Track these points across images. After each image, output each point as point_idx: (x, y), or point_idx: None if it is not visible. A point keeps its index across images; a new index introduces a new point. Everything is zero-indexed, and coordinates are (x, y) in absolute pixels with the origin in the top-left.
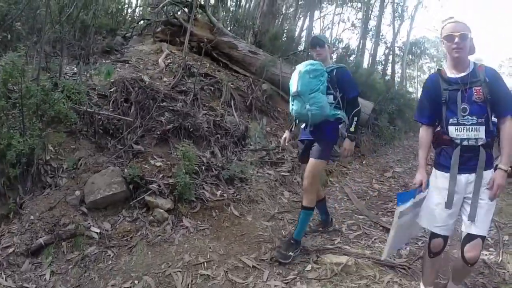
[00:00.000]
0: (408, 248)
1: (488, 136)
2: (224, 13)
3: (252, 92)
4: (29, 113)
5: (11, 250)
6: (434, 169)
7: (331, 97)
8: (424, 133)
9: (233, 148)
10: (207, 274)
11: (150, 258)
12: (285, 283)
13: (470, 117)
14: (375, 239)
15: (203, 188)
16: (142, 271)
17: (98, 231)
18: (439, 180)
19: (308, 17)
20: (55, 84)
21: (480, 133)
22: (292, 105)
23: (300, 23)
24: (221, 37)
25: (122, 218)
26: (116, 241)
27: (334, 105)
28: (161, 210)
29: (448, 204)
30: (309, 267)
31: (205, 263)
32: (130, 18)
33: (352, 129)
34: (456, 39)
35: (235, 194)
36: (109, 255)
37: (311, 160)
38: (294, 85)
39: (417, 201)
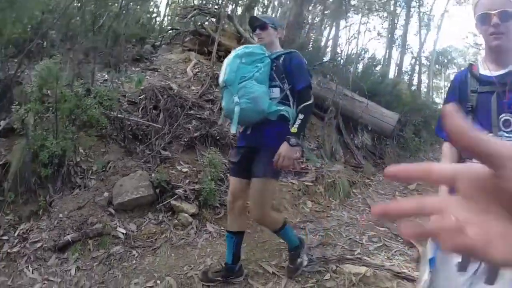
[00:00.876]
0: None
1: None
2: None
3: None
4: (62, 117)
5: (39, 245)
6: None
7: (276, 90)
8: (448, 152)
9: None
10: None
11: (173, 259)
12: None
13: None
14: (395, 251)
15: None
16: (165, 271)
17: (124, 231)
18: None
19: (334, 27)
20: (88, 90)
21: None
22: (221, 99)
23: (326, 32)
24: None
25: (148, 220)
26: (141, 242)
27: (279, 100)
28: (186, 215)
29: (463, 265)
30: (327, 276)
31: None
32: (159, 28)
33: (293, 129)
34: (494, 19)
35: None
36: (134, 255)
37: (254, 181)
38: (221, 73)
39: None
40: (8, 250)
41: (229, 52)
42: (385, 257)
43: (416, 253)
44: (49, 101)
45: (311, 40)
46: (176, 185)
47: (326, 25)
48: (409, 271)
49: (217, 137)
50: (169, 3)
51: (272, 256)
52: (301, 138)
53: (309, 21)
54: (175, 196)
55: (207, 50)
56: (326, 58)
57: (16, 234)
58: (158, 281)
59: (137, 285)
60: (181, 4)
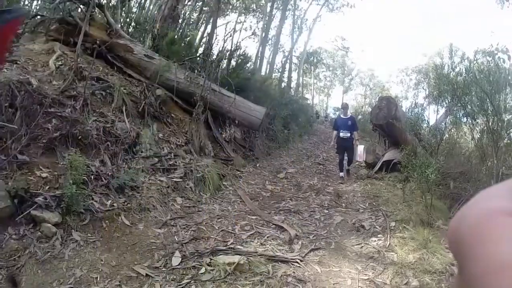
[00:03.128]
0: (300, 242)
1: None
2: (124, 14)
3: (145, 98)
4: None
5: None
6: None
7: None
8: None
9: (124, 155)
10: None
11: (40, 277)
12: (180, 287)
13: None
14: (267, 237)
15: (92, 199)
16: None
17: None
18: None
19: (210, 23)
20: None
21: None
22: None
23: (202, 28)
24: (117, 39)
25: (8, 236)
26: (3, 262)
27: None
28: (49, 225)
29: None
30: (203, 270)
31: (97, 277)
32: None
33: None
34: None
35: (125, 203)
36: None
37: None
38: None
39: None
40: None
41: (96, 44)
42: (258, 243)
43: (288, 235)
44: None
45: (185, 35)
46: (36, 192)
47: (203, 21)
48: (282, 253)
49: (79, 137)
50: None
51: (144, 258)
52: None
53: (186, 16)
54: (35, 205)
55: (73, 41)
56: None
57: None
58: None
59: None
60: None
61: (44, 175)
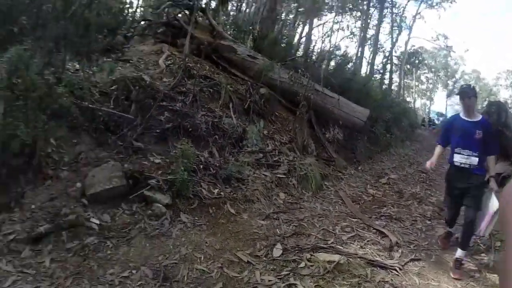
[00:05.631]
0: (400, 250)
1: None
2: (224, 17)
3: (250, 96)
4: (32, 106)
5: (12, 237)
6: None
7: None
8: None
9: (231, 149)
10: (202, 269)
11: (148, 250)
12: (279, 278)
13: None
14: (367, 241)
15: (201, 186)
16: (140, 261)
17: (98, 222)
18: None
19: (308, 24)
20: (58, 79)
21: None
22: None
23: (299, 29)
24: (220, 40)
25: (122, 211)
26: (115, 233)
27: None
28: (160, 205)
29: None
30: (302, 264)
31: (201, 257)
32: (131, 19)
33: None
34: None
35: (231, 193)
36: (108, 245)
37: None
38: None
39: None
40: None
41: (202, 45)
42: (358, 246)
43: (388, 242)
44: (20, 89)
45: (284, 36)
46: (149, 175)
47: (300, 22)
48: (382, 259)
49: (190, 129)
50: None
51: (246, 246)
52: None
53: (283, 17)
54: (148, 187)
55: (179, 43)
56: (299, 54)
57: None
58: (134, 271)
59: (112, 275)
60: None
61: (157, 161)
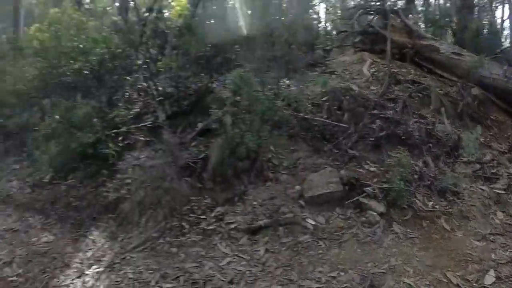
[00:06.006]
0: None
1: None
2: (413, 15)
3: (462, 98)
4: (256, 118)
5: (233, 226)
6: None
7: None
8: None
9: (446, 158)
10: (409, 283)
11: (358, 255)
12: None
13: None
14: None
15: (415, 197)
16: (349, 265)
17: (313, 223)
18: None
19: (507, 5)
20: (275, 94)
21: None
22: None
23: (498, 13)
24: (419, 40)
25: (336, 215)
26: (328, 234)
27: None
28: (374, 213)
29: None
30: None
31: (410, 271)
32: (324, 33)
33: None
34: None
35: (447, 207)
36: (320, 245)
37: None
38: None
39: None
40: (205, 227)
41: (401, 48)
42: None
43: None
44: (242, 105)
45: (485, 24)
46: (365, 183)
47: (497, 4)
48: None
49: (402, 137)
50: (328, 8)
51: (458, 267)
52: None
53: (478, 2)
54: (364, 194)
55: (378, 49)
56: (506, 44)
57: (212, 215)
58: (342, 273)
59: (321, 273)
60: (340, 7)
61: (372, 169)
